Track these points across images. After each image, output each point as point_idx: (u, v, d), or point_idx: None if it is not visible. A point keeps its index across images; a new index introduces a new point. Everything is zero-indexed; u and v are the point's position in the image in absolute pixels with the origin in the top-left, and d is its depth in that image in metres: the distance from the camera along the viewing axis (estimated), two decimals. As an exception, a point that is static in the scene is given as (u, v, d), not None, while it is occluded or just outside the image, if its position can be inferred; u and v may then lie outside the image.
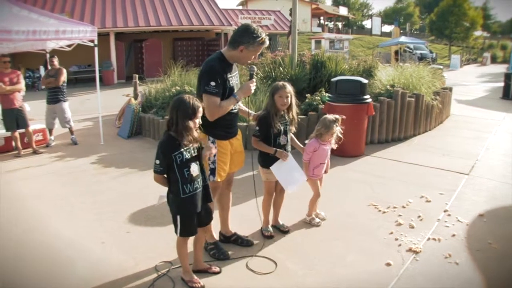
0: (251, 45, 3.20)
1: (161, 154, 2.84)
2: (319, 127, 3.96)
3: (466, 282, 3.16)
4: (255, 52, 3.28)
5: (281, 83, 3.64)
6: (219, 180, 3.36)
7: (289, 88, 3.59)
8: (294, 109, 3.66)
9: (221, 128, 3.30)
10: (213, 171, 3.32)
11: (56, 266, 3.46)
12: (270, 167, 3.61)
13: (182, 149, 2.85)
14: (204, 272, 3.25)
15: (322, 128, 3.92)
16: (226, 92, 3.22)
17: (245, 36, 3.19)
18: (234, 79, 3.35)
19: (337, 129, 3.95)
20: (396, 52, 25.93)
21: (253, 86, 3.34)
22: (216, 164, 3.32)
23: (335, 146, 4.11)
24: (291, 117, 3.66)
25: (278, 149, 3.60)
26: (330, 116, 3.96)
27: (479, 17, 38.95)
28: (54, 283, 3.21)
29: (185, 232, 2.99)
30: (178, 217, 2.96)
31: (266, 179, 3.80)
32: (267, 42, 3.31)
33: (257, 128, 3.62)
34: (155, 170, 2.88)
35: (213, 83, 3.10)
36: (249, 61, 3.42)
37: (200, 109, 2.86)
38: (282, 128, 3.61)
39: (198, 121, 2.87)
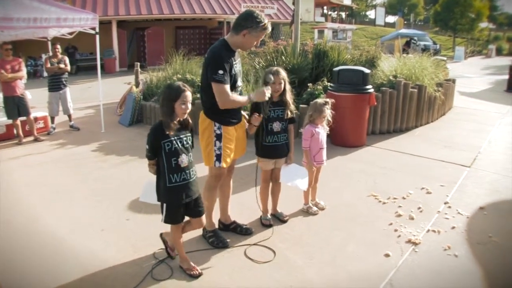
0: (254, 30, 3.21)
1: (149, 140, 2.88)
2: (310, 112, 4.01)
3: (465, 275, 3.15)
4: (258, 37, 3.28)
5: (274, 68, 3.60)
6: (224, 166, 3.37)
7: (283, 74, 3.57)
8: (288, 94, 3.65)
9: (226, 114, 3.31)
10: (218, 157, 3.33)
11: (56, 253, 3.47)
12: (280, 181, 3.72)
13: (172, 138, 2.86)
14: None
15: (314, 112, 3.96)
16: (231, 79, 3.24)
17: (249, 20, 3.21)
18: (237, 65, 3.37)
19: (328, 112, 3.98)
20: (407, 44, 25.73)
21: (268, 93, 3.36)
22: (222, 150, 3.32)
23: (327, 130, 4.11)
24: (285, 102, 3.62)
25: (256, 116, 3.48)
26: (320, 100, 4.02)
27: (485, 8, 38.47)
28: (54, 270, 3.22)
29: (169, 219, 3.01)
30: (164, 205, 2.98)
31: (261, 167, 3.81)
32: (270, 28, 3.32)
33: (248, 113, 3.64)
34: (146, 154, 2.94)
35: (221, 72, 3.12)
36: (251, 48, 3.41)
37: (186, 94, 2.84)
38: (275, 114, 3.60)
39: (186, 106, 2.86)
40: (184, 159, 2.91)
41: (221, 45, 3.29)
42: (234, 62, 3.29)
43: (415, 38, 27.95)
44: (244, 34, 3.23)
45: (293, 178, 3.72)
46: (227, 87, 3.17)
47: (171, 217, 3.01)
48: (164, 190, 2.93)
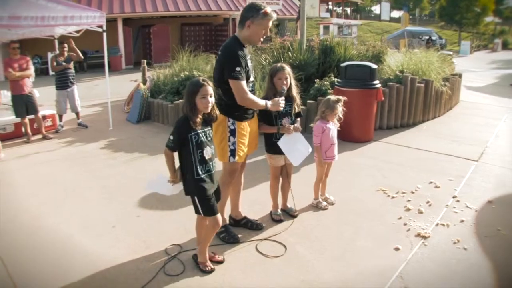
0: (255, 18, 3.26)
1: (176, 131, 2.90)
2: (322, 109, 4.05)
3: (474, 267, 3.17)
4: (262, 26, 3.31)
5: (279, 64, 3.64)
6: (238, 160, 3.41)
7: (288, 69, 3.61)
8: (294, 89, 3.70)
9: (240, 109, 3.35)
10: (233, 152, 3.37)
11: (67, 250, 3.51)
12: (278, 142, 3.61)
13: (199, 131, 2.91)
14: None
15: (327, 109, 4.00)
16: (246, 74, 3.30)
17: (249, 10, 3.29)
18: (249, 61, 3.42)
19: (340, 109, 4.02)
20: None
21: (282, 103, 3.44)
22: (236, 145, 3.36)
23: (338, 126, 4.14)
24: (292, 97, 3.66)
25: (281, 125, 3.58)
26: (333, 97, 4.05)
27: (491, 2, 38.19)
28: (65, 267, 3.26)
29: (208, 211, 3.01)
30: (196, 197, 3.00)
31: (271, 164, 3.84)
32: (273, 16, 3.35)
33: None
34: (167, 145, 2.94)
35: (238, 69, 3.18)
36: (260, 39, 3.42)
37: (207, 88, 2.87)
38: (284, 110, 3.60)
39: (206, 100, 2.88)
40: (208, 151, 2.97)
41: (234, 42, 3.34)
42: (247, 58, 3.34)
43: (426, 35, 28.01)
44: (249, 25, 3.28)
45: (292, 149, 3.67)
46: (244, 83, 3.23)
47: (209, 208, 3.01)
48: (192, 182, 2.95)
